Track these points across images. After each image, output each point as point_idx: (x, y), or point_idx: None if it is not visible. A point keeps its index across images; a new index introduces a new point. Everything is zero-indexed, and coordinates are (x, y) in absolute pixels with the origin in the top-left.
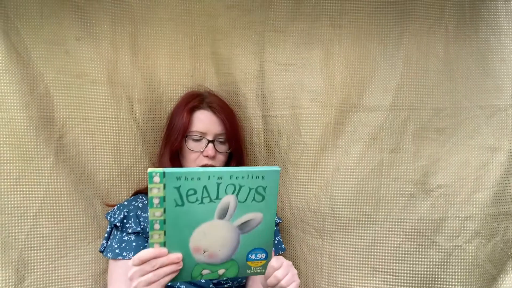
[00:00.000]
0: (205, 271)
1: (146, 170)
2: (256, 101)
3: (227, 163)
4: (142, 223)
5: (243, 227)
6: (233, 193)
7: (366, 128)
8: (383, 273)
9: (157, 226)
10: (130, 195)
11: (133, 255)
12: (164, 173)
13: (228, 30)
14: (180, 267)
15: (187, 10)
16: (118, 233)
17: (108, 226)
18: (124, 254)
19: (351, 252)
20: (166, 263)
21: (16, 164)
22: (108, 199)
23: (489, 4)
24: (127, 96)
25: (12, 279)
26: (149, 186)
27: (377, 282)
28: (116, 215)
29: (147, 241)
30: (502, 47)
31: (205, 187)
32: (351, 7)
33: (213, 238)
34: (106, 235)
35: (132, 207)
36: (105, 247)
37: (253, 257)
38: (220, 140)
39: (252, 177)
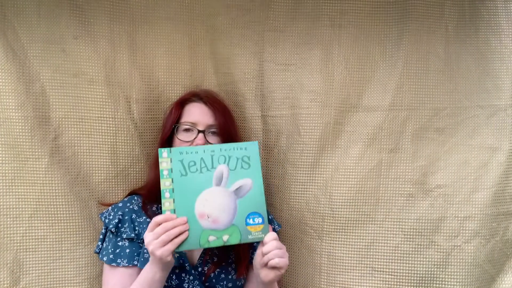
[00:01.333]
0: (211, 237)
1: (143, 171)
2: (255, 101)
3: None
4: (136, 228)
5: (237, 192)
6: (224, 162)
7: (365, 128)
8: (382, 273)
9: (167, 194)
10: (125, 195)
11: (126, 262)
12: (170, 149)
13: (227, 29)
14: (187, 228)
15: (186, 9)
16: (113, 238)
17: (103, 227)
18: (119, 261)
19: (350, 252)
20: (175, 225)
21: (10, 165)
22: (104, 201)
23: (488, 4)
24: (125, 96)
25: (7, 280)
26: (160, 160)
27: (376, 282)
28: (111, 217)
29: (140, 248)
30: (502, 47)
31: (202, 159)
32: (351, 7)
33: (214, 203)
34: (101, 236)
35: (127, 209)
36: (100, 249)
37: (251, 221)
38: (212, 131)
39: (236, 149)
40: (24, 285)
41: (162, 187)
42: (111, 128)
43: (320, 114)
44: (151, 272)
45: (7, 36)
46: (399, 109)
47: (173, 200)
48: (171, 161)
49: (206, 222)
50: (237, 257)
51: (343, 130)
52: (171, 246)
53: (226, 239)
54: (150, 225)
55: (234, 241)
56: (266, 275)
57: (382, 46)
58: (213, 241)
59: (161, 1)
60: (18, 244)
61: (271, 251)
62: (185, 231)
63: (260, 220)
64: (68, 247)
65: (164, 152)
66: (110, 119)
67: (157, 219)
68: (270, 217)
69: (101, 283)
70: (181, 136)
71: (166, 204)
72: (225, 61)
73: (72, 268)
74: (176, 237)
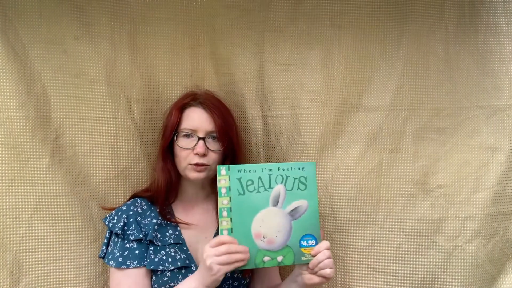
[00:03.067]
0: (266, 258)
1: (144, 171)
2: (255, 101)
3: (221, 163)
4: (143, 229)
5: (293, 213)
6: (281, 182)
7: (365, 128)
8: (383, 273)
9: (225, 213)
10: (127, 198)
11: (137, 264)
12: (228, 166)
13: (227, 30)
14: (247, 258)
15: (187, 10)
16: (120, 240)
17: (107, 231)
18: (128, 262)
19: (351, 252)
20: (238, 250)
21: (11, 165)
22: (105, 201)
23: (488, 5)
24: (126, 96)
25: (6, 281)
26: (218, 178)
27: (377, 282)
28: (115, 221)
29: (148, 248)
30: (501, 47)
31: (260, 178)
32: (351, 7)
33: (270, 224)
34: (105, 240)
35: (132, 212)
36: (105, 253)
37: (305, 243)
38: (212, 136)
39: (294, 169)
40: (23, 286)
41: (220, 205)
42: (111, 128)
43: (321, 114)
44: (194, 283)
45: (8, 37)
46: (400, 109)
47: (231, 219)
48: (229, 179)
49: (262, 242)
50: None
51: (343, 130)
52: (228, 267)
53: (281, 260)
54: (213, 241)
55: (288, 262)
56: (311, 279)
57: (382, 46)
58: (268, 261)
59: (161, 1)
60: (18, 245)
61: (324, 260)
62: (245, 259)
63: (313, 242)
64: (68, 248)
65: (222, 170)
66: (111, 119)
67: (222, 238)
68: None
69: (101, 284)
70: (181, 142)
71: (224, 223)
72: (226, 61)
73: (72, 268)
74: (235, 262)
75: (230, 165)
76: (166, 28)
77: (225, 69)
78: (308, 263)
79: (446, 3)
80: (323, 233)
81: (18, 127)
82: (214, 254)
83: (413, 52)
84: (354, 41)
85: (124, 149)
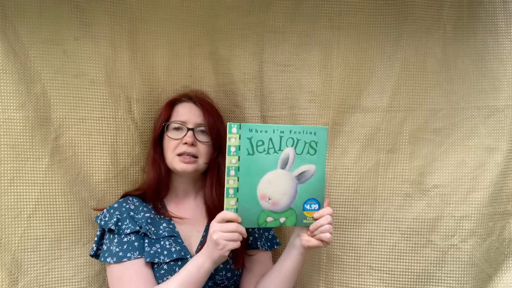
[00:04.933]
0: (269, 219)
1: (143, 171)
2: (255, 101)
3: (211, 159)
4: (137, 223)
5: (300, 177)
6: (292, 145)
7: (363, 129)
8: (379, 271)
9: (232, 172)
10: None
11: (138, 254)
12: (240, 124)
13: (227, 30)
14: (241, 239)
15: (187, 10)
16: (116, 236)
17: (98, 229)
18: (129, 255)
19: (348, 250)
20: (239, 231)
21: (11, 165)
22: (104, 201)
23: (487, 5)
24: (126, 96)
25: (5, 281)
26: (228, 136)
27: (374, 280)
28: (107, 219)
29: (143, 240)
30: (500, 47)
31: (270, 139)
32: (350, 9)
33: (276, 186)
34: (96, 238)
35: (124, 209)
36: (95, 251)
37: (308, 207)
38: (201, 130)
39: (306, 133)
40: (22, 285)
41: (228, 164)
42: (111, 128)
43: (319, 114)
44: (202, 259)
45: (8, 37)
46: (397, 110)
47: (237, 178)
48: (239, 138)
49: (266, 203)
50: None
51: (341, 130)
52: (234, 244)
53: (283, 221)
54: (219, 216)
55: (290, 223)
56: (309, 241)
57: (380, 47)
58: (270, 222)
59: (161, 1)
60: (17, 244)
61: (325, 224)
62: (238, 240)
63: (316, 206)
64: (66, 247)
65: (233, 128)
66: (111, 119)
67: (227, 215)
68: (271, 233)
69: (99, 282)
70: (171, 134)
71: (230, 181)
72: (225, 61)
73: (71, 267)
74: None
75: (242, 123)
76: (166, 28)
77: (224, 70)
78: (309, 226)
79: (445, 4)
80: (328, 201)
81: (18, 127)
82: (220, 230)
83: (411, 53)
84: (353, 42)
85: (123, 149)
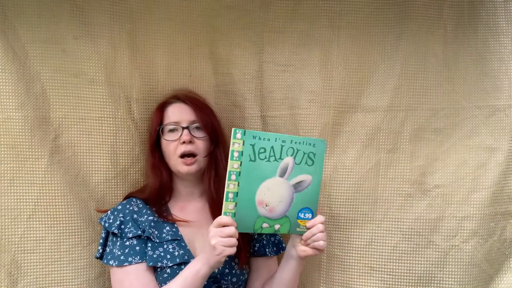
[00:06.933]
0: (264, 225)
1: (143, 171)
2: (254, 101)
3: (210, 153)
4: (140, 226)
5: (297, 186)
6: (291, 155)
7: (363, 129)
8: (380, 272)
9: (233, 176)
10: (123, 198)
11: (139, 259)
12: (244, 131)
13: (227, 30)
14: (237, 244)
15: (186, 10)
16: (118, 239)
17: (103, 231)
18: (130, 259)
19: (348, 251)
20: (235, 236)
21: (10, 165)
22: (104, 202)
23: (487, 4)
24: (125, 96)
25: (4, 282)
26: (232, 141)
27: (375, 281)
28: (111, 221)
29: (146, 244)
30: (501, 47)
31: (272, 147)
32: (350, 8)
33: (274, 193)
34: (101, 240)
35: (127, 211)
36: (101, 254)
37: (302, 215)
38: (196, 126)
39: (306, 144)
40: (22, 287)
41: (229, 168)
42: (111, 128)
43: (319, 114)
44: (198, 264)
45: (8, 36)
46: (398, 109)
47: (238, 183)
48: (243, 144)
49: (263, 209)
50: (237, 248)
51: (341, 130)
52: (231, 250)
53: (277, 228)
54: (216, 221)
55: (284, 231)
56: (305, 250)
57: (381, 47)
58: (265, 228)
59: (161, 1)
60: (16, 245)
61: (317, 233)
62: (233, 245)
63: (310, 215)
64: (66, 248)
65: (238, 133)
66: (111, 119)
67: (223, 220)
68: (278, 237)
69: (99, 285)
70: (167, 136)
71: (231, 186)
72: (225, 61)
73: (71, 269)
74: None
75: (247, 130)
76: (165, 28)
77: (224, 69)
78: (302, 234)
79: (445, 4)
80: (319, 209)
81: (17, 127)
82: (218, 235)
83: (411, 53)
84: (353, 42)
85: (123, 149)
